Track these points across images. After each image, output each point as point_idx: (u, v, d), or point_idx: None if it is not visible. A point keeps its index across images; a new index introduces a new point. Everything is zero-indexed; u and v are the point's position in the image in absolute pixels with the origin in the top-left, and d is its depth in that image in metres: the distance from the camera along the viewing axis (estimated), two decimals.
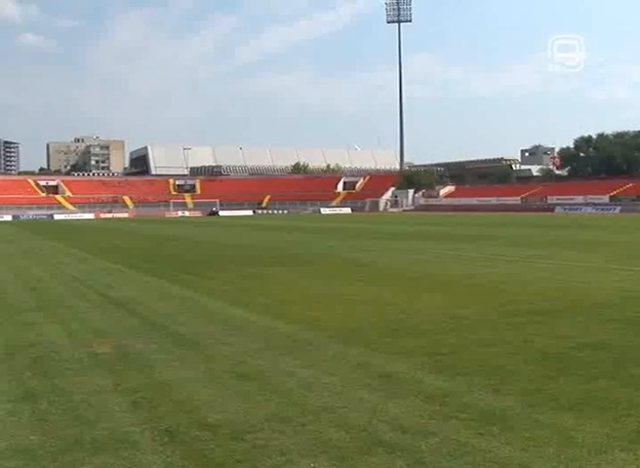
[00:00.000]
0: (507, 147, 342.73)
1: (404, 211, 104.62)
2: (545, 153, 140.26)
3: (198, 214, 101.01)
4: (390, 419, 5.13)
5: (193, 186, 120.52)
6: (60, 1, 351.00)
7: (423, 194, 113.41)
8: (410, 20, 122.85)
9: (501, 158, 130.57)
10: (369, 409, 5.37)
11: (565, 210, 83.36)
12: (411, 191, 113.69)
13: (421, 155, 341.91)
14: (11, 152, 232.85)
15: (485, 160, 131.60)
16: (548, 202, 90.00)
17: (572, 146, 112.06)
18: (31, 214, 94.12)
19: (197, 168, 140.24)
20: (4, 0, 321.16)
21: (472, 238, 29.50)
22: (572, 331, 8.27)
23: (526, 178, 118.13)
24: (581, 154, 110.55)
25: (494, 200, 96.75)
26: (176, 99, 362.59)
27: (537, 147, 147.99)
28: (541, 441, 4.64)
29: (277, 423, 5.10)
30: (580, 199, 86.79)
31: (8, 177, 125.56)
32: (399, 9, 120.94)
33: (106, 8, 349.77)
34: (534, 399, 5.57)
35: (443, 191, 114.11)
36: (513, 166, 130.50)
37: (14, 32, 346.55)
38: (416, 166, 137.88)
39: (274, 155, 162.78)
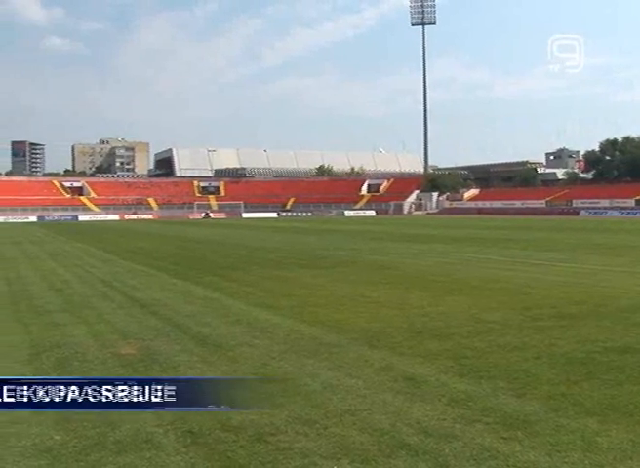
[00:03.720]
0: (532, 150, 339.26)
1: (428, 213, 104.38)
2: (570, 156, 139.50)
3: (223, 216, 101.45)
4: (414, 422, 5.12)
5: (217, 188, 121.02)
6: (86, 4, 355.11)
7: (448, 197, 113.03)
8: (434, 23, 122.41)
9: (526, 161, 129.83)
10: (392, 412, 5.36)
11: (590, 213, 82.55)
12: (435, 194, 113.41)
13: (446, 158, 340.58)
14: (37, 154, 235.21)
15: (510, 163, 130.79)
16: (573, 205, 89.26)
17: (597, 149, 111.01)
18: (56, 215, 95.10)
19: (221, 170, 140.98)
20: (29, 3, 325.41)
21: (496, 241, 29.31)
22: (597, 336, 8.19)
23: (551, 182, 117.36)
24: (607, 157, 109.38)
25: (518, 203, 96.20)
26: (201, 101, 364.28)
27: (562, 150, 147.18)
28: (566, 446, 4.60)
29: (300, 425, 5.11)
30: (605, 202, 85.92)
31: (33, 179, 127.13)
32: (423, 11, 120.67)
33: (132, 11, 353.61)
34: (558, 403, 5.52)
35: (467, 194, 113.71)
36: (538, 169, 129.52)
37: (39, 35, 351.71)
38: (440, 169, 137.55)
39: (298, 157, 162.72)
